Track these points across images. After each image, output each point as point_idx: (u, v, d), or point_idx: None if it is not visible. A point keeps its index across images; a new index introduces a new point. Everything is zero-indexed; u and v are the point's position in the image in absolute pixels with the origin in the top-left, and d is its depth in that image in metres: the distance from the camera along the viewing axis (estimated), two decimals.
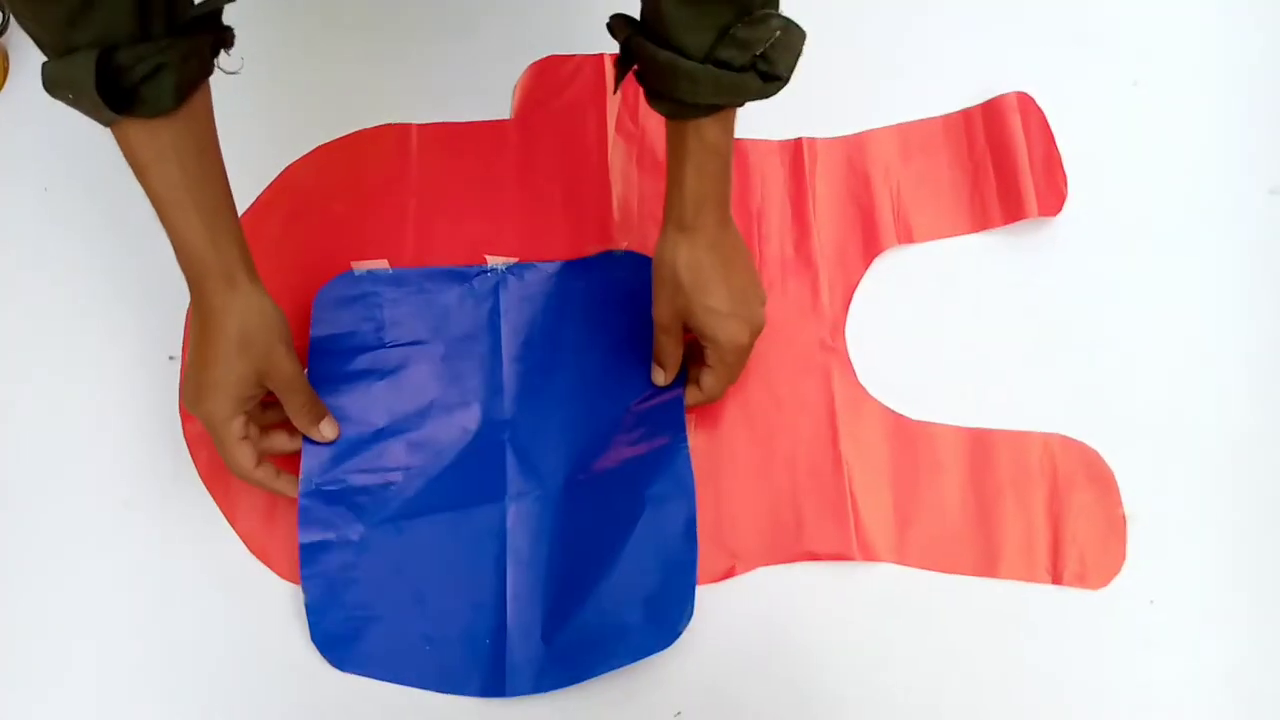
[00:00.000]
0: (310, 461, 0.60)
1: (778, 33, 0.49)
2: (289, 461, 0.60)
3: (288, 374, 0.57)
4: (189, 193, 0.52)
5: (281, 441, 0.60)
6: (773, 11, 0.49)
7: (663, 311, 0.58)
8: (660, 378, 0.62)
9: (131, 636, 0.59)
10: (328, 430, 0.60)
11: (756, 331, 0.58)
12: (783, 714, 0.57)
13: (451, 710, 0.57)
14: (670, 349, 0.61)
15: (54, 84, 0.48)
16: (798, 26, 0.50)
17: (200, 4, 0.50)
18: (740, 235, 0.59)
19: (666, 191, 0.56)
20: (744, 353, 0.58)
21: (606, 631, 0.57)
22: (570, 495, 0.60)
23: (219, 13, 0.51)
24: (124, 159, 0.51)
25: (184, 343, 0.65)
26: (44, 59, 0.48)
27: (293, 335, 0.58)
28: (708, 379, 0.60)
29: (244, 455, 0.56)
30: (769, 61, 0.49)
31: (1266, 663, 0.58)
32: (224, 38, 0.52)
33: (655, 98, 0.52)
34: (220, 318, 0.54)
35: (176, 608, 0.59)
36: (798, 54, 0.50)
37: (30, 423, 0.64)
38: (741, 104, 0.52)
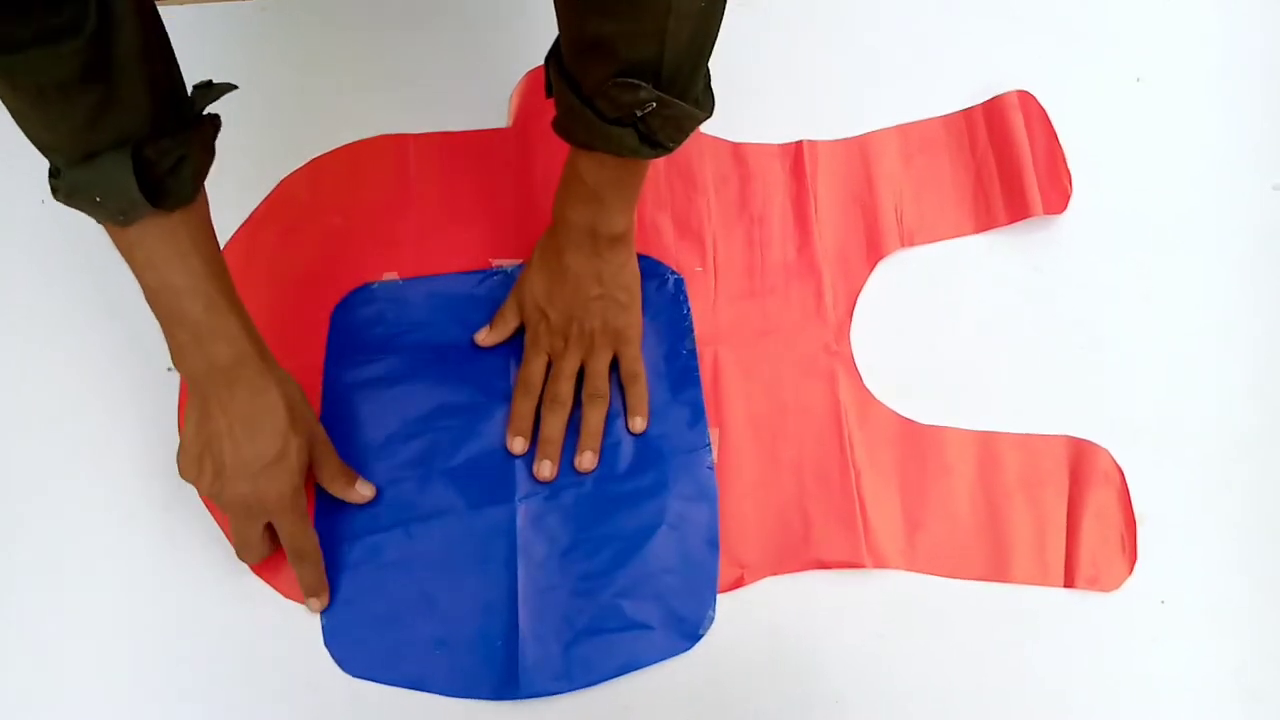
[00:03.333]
0: None
1: (651, 104, 0.49)
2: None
3: (324, 439, 0.59)
4: (214, 281, 0.52)
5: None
6: (642, 84, 0.49)
7: (521, 275, 0.63)
8: (482, 334, 0.64)
9: (134, 649, 0.58)
10: (365, 489, 0.60)
11: (560, 328, 0.61)
12: None
13: (463, 714, 0.56)
14: (507, 312, 0.64)
15: (77, 189, 0.47)
16: (686, 108, 0.50)
17: (202, 93, 0.51)
18: (609, 272, 0.60)
19: None
20: (534, 332, 0.62)
21: (625, 633, 0.57)
22: (586, 496, 0.61)
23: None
24: (131, 262, 0.51)
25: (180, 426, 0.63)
26: (53, 173, 0.48)
27: (297, 349, 0.61)
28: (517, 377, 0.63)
29: (309, 531, 0.57)
30: (648, 126, 0.51)
31: (1278, 660, 0.58)
32: (217, 123, 0.53)
33: (555, 120, 0.55)
34: (267, 398, 0.55)
35: (181, 621, 0.59)
36: (685, 131, 0.52)
37: (30, 434, 0.63)
38: (621, 155, 0.53)
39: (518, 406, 0.61)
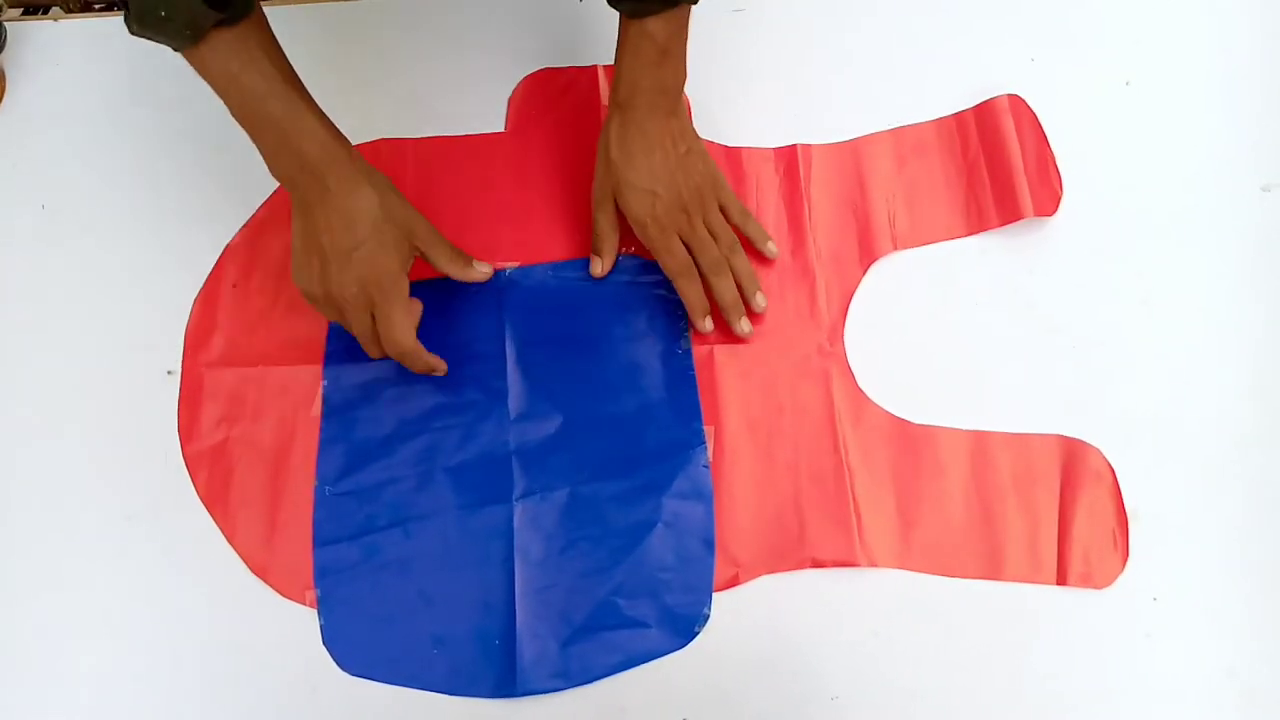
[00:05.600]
0: (323, 467, 0.62)
1: None
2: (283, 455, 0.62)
3: (428, 228, 0.61)
4: (289, 84, 0.56)
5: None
6: None
7: (597, 187, 0.65)
8: (597, 267, 0.66)
9: (134, 649, 0.59)
10: (483, 267, 0.64)
11: (675, 202, 0.62)
12: None
13: (461, 712, 0.57)
14: (604, 229, 0.65)
15: (145, 10, 0.50)
16: None
17: None
18: (685, 127, 0.63)
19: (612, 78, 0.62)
20: (657, 222, 0.62)
21: (621, 631, 0.58)
22: (582, 495, 0.61)
23: None
24: (210, 80, 0.54)
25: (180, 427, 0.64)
26: (124, 5, 0.51)
27: (301, 348, 0.63)
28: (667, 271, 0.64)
29: (409, 322, 0.59)
30: None
31: (1270, 657, 0.58)
32: None
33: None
34: (359, 189, 0.58)
35: (180, 621, 0.59)
36: None
37: (28, 438, 0.64)
38: (695, 0, 0.58)
39: (690, 292, 0.64)
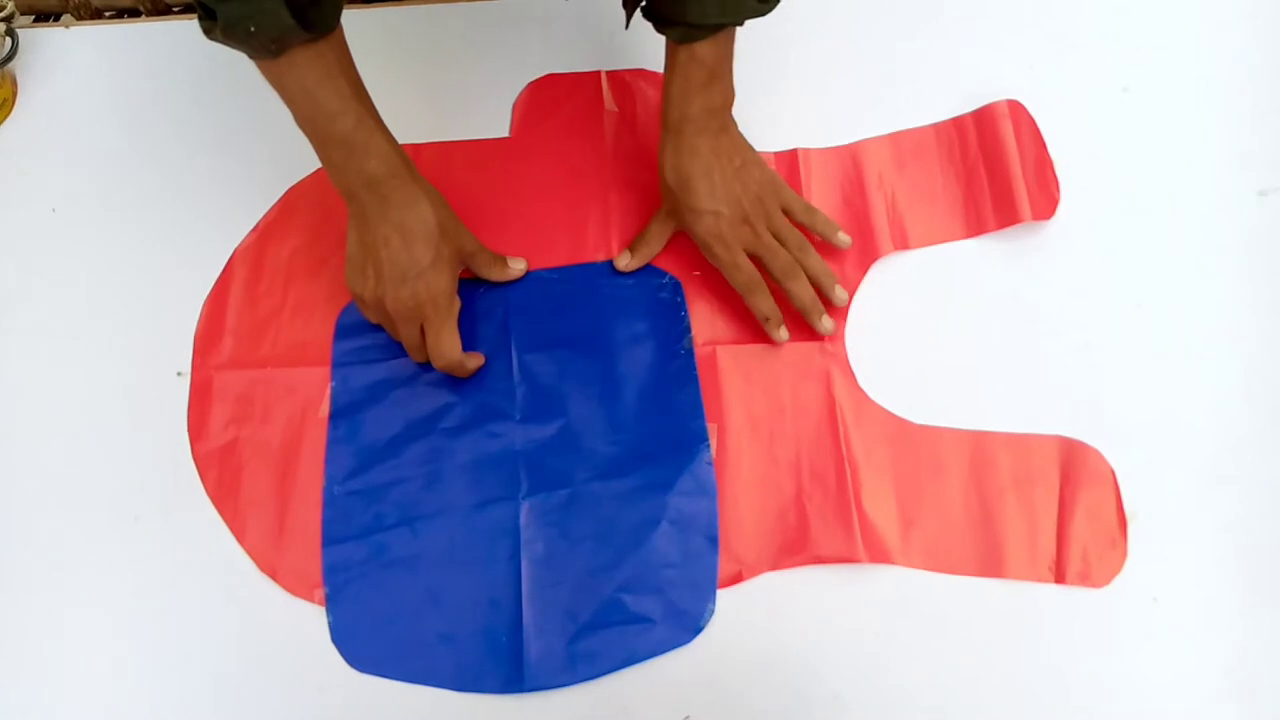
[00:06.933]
0: (331, 467, 0.62)
1: None
2: (287, 473, 0.62)
3: (471, 239, 0.64)
4: (360, 102, 0.57)
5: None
6: None
7: (664, 208, 0.66)
8: (623, 260, 0.67)
9: (143, 648, 0.59)
10: (516, 264, 0.67)
11: (738, 217, 0.63)
12: (791, 717, 0.57)
13: (469, 708, 0.57)
14: (651, 236, 0.67)
15: (233, 23, 0.50)
16: None
17: None
18: (736, 140, 0.65)
19: (662, 102, 0.63)
20: (721, 240, 0.63)
21: (628, 626, 0.58)
22: (588, 493, 0.62)
23: None
24: (283, 92, 0.55)
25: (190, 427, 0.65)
26: (208, 14, 0.51)
27: (309, 350, 0.64)
28: (736, 287, 0.64)
29: (458, 337, 0.61)
30: None
31: (1268, 657, 0.59)
32: None
33: (665, 24, 0.60)
34: (419, 209, 0.59)
35: (189, 620, 0.60)
36: None
37: (39, 439, 0.64)
38: (741, 23, 0.60)
39: (761, 304, 0.64)
